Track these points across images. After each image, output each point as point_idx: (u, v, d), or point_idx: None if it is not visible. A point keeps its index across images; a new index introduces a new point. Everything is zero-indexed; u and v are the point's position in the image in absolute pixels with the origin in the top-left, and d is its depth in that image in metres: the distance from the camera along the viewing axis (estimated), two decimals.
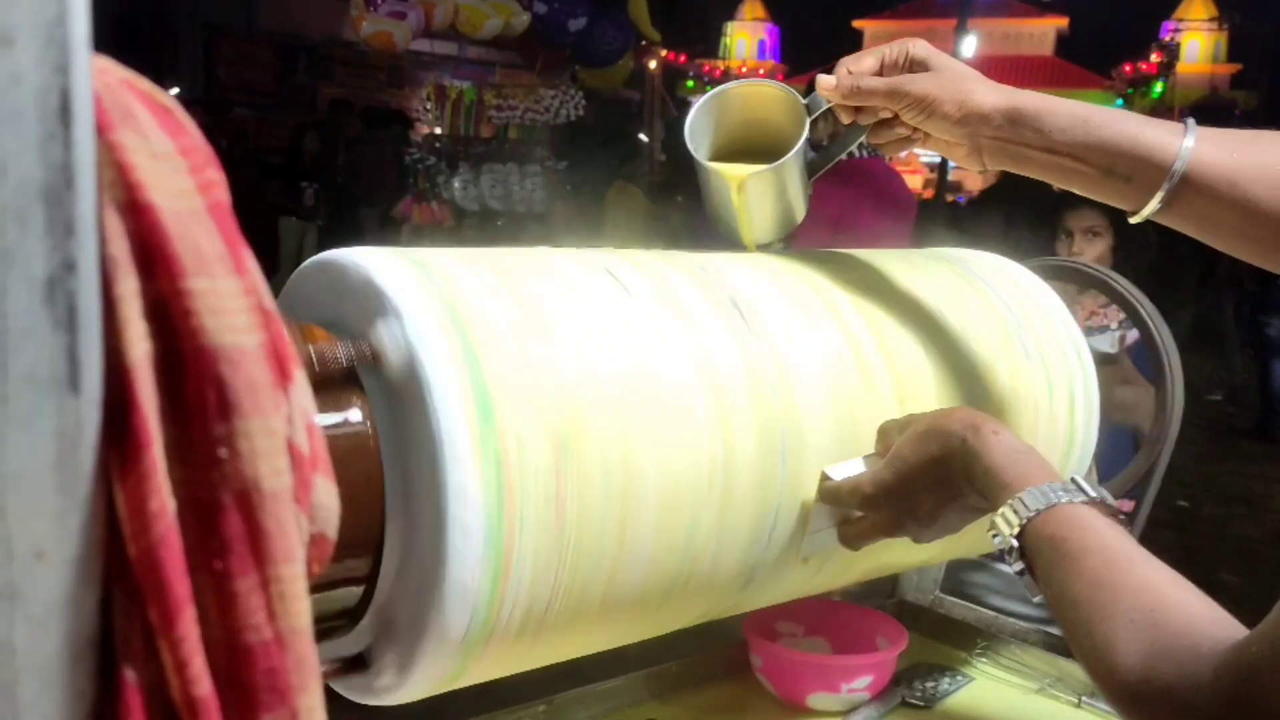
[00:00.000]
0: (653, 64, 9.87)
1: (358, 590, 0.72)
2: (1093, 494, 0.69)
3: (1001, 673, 1.24)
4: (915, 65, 0.88)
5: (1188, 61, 17.94)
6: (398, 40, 5.58)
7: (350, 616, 0.73)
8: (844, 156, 0.98)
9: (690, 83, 15.90)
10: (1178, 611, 0.60)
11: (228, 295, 0.29)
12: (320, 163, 6.67)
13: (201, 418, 0.28)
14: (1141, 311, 1.43)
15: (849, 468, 0.83)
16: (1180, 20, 18.33)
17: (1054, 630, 1.35)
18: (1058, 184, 0.87)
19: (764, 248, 0.97)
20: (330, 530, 0.34)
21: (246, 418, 0.29)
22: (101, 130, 0.28)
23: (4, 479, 0.26)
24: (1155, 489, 1.45)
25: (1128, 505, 1.66)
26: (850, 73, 0.89)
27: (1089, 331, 2.44)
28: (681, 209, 5.01)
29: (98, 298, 0.27)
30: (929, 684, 1.24)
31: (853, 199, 2.96)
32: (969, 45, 11.86)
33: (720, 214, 0.95)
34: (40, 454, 0.26)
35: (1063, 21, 20.57)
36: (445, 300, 0.69)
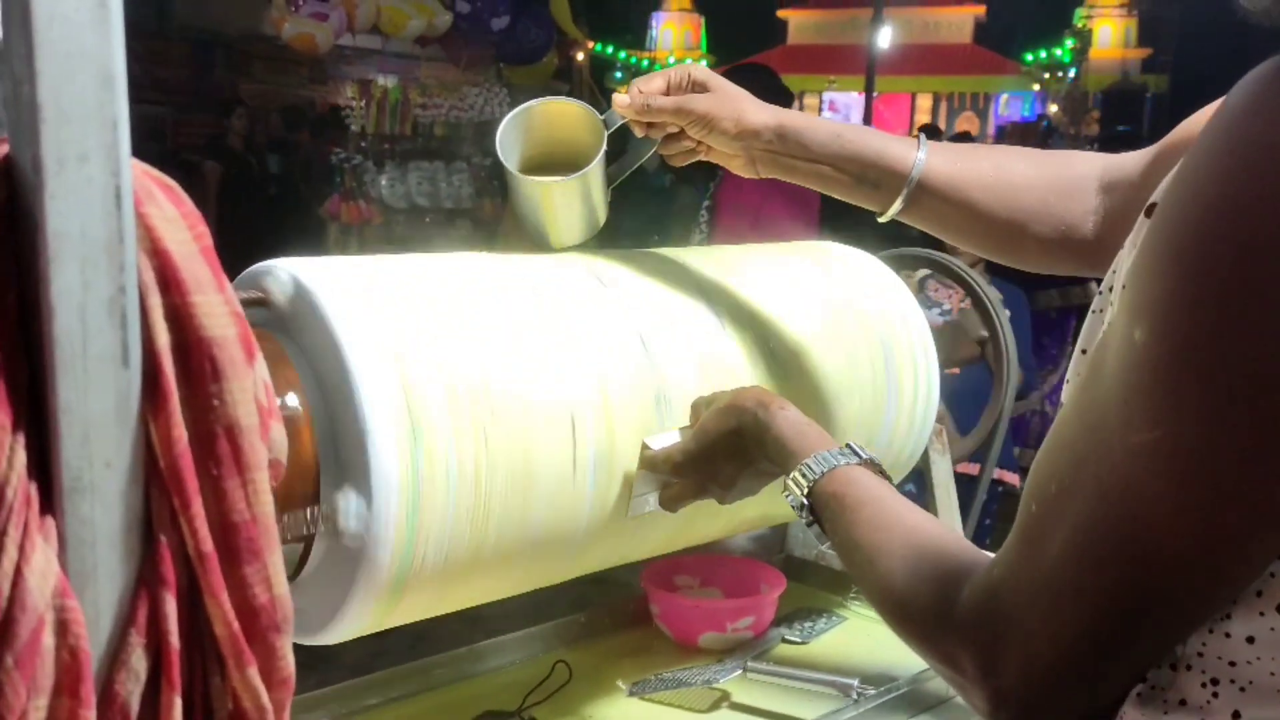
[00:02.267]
0: (579, 56, 9.93)
1: (297, 548, 0.87)
2: (864, 456, 0.79)
3: (870, 613, 1.38)
4: (697, 86, 0.99)
5: (1100, 47, 18.25)
6: (320, 42, 5.63)
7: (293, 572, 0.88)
8: (636, 167, 1.07)
9: (619, 74, 15.91)
10: (936, 546, 0.67)
11: (215, 305, 0.47)
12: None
13: (201, 380, 0.47)
14: (980, 294, 1.63)
15: (665, 439, 0.92)
16: (1093, 6, 18.75)
17: None
18: (821, 190, 1.00)
19: (567, 250, 1.05)
20: (282, 457, 0.52)
21: (229, 380, 0.47)
22: (136, 205, 0.45)
23: (88, 419, 0.44)
24: (996, 455, 1.66)
25: (971, 469, 1.86)
26: (641, 92, 0.99)
27: (965, 313, 2.66)
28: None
29: (137, 308, 0.45)
30: (807, 624, 1.37)
31: (766, 193, 3.15)
32: (885, 35, 11.99)
33: (529, 219, 1.03)
34: (107, 403, 0.44)
35: (980, 10, 20.92)
36: (389, 326, 0.82)
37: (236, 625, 0.47)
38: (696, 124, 0.98)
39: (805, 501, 0.78)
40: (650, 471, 0.92)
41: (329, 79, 11.10)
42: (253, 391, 0.48)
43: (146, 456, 0.46)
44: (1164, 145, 0.87)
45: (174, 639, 0.46)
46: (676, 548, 1.17)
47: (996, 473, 2.62)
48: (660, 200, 5.31)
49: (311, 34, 5.54)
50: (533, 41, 6.27)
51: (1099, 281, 0.67)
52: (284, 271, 0.85)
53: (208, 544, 0.46)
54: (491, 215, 5.77)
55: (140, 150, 0.45)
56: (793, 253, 1.28)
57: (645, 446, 0.92)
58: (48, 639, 0.42)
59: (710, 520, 1.11)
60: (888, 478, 0.79)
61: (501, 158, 1.00)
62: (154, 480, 0.46)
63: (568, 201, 1.01)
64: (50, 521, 0.43)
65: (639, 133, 1.02)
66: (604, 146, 1.00)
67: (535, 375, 0.90)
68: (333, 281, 0.84)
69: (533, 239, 1.05)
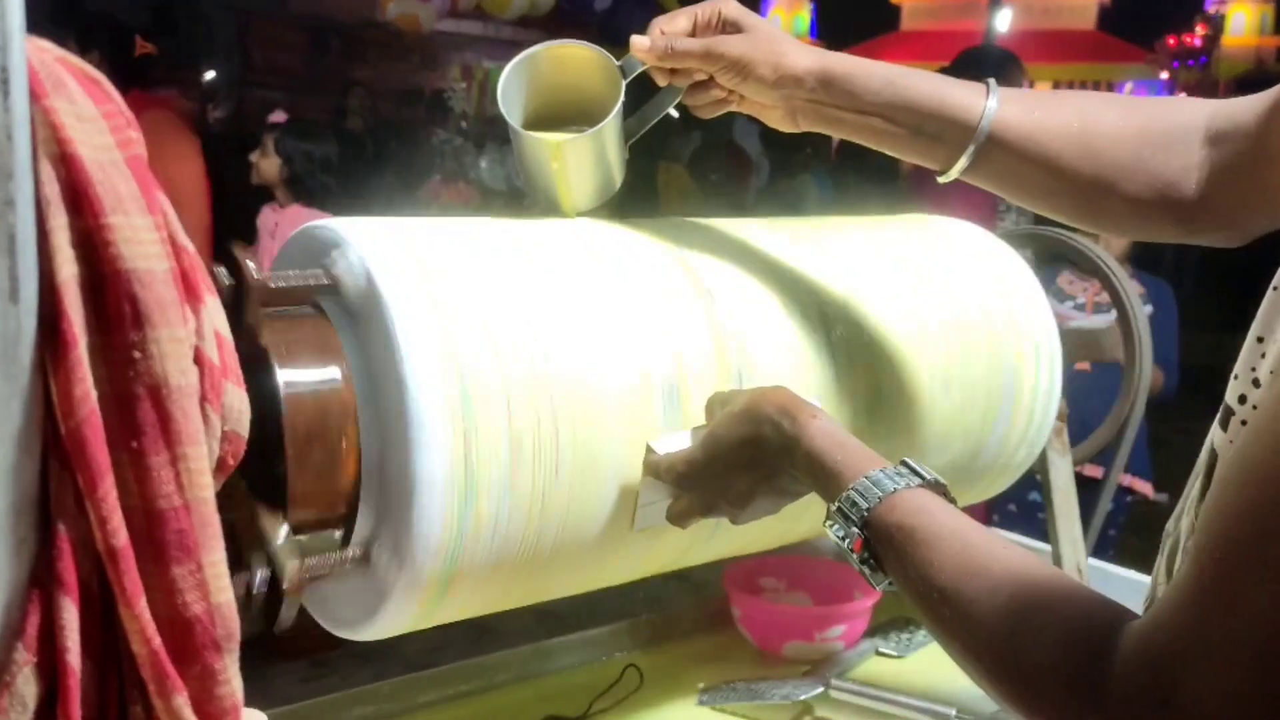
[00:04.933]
0: None
1: (336, 534, 0.80)
2: (928, 477, 0.66)
3: None
4: (728, 26, 0.86)
5: (1233, 34, 17.46)
6: (424, 22, 5.66)
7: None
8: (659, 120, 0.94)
9: None
10: (1057, 598, 0.56)
11: (141, 229, 0.36)
12: None
13: (119, 326, 0.36)
14: (1114, 282, 1.46)
15: (674, 441, 0.80)
16: None
17: None
18: (871, 145, 0.87)
19: (581, 215, 0.94)
20: (242, 429, 0.41)
21: (156, 327, 0.36)
22: (38, 98, 0.35)
23: None
24: (1123, 459, 1.49)
25: (1096, 472, 1.69)
26: (664, 33, 0.86)
27: (1099, 309, 2.45)
28: (715, 187, 5.02)
29: (33, 229, 0.35)
30: (904, 635, 1.28)
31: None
32: (1003, 20, 11.62)
33: (536, 182, 0.91)
34: None
35: None
36: (429, 295, 0.74)
37: (158, 642, 0.36)
38: (728, 70, 0.85)
39: (861, 534, 0.65)
40: (653, 479, 0.80)
41: (439, 64, 11.20)
42: (190, 343, 0.37)
43: (44, 422, 0.35)
44: None
45: (73, 658, 0.35)
46: (758, 549, 1.06)
47: (1126, 480, 2.43)
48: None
49: (415, 14, 5.57)
50: (636, 23, 6.16)
51: None
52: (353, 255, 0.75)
53: (120, 537, 0.35)
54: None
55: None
56: (897, 227, 1.15)
57: (649, 449, 0.79)
58: None
59: (795, 521, 0.99)
60: (953, 500, 0.66)
61: (503, 111, 0.87)
62: (53, 453, 0.35)
63: (580, 161, 0.89)
64: None
65: (661, 81, 0.89)
66: (622, 97, 0.87)
67: (603, 359, 0.80)
68: (390, 257, 0.76)
69: (540, 203, 0.93)
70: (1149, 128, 0.81)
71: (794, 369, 0.90)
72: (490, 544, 0.76)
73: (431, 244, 0.79)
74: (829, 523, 0.67)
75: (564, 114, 0.91)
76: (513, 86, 0.89)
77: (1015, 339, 1.11)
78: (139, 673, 0.37)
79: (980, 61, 2.55)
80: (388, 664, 1.15)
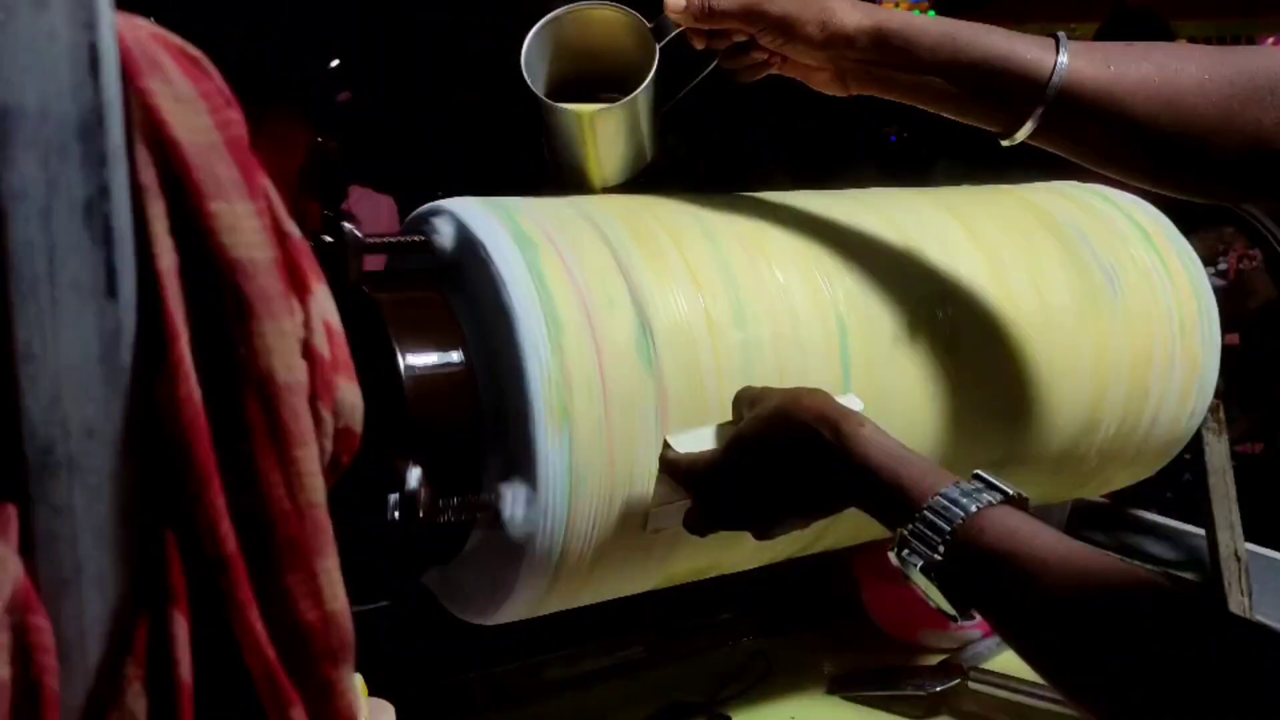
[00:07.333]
0: None
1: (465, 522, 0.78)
2: (1010, 492, 0.59)
3: None
4: None
5: None
6: None
7: (454, 546, 0.80)
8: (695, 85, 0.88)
9: None
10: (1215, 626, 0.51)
11: (243, 216, 0.34)
12: None
13: (222, 320, 0.34)
14: (1274, 243, 1.35)
15: (694, 439, 0.73)
16: None
17: (1178, 574, 1.32)
18: (928, 109, 0.81)
19: (611, 190, 0.89)
20: (356, 425, 0.39)
21: (261, 320, 0.34)
22: (132, 77, 0.33)
23: (58, 370, 0.32)
24: None
25: (1256, 446, 1.58)
26: None
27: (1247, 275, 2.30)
28: None
29: (130, 218, 0.33)
30: None
31: None
32: None
33: (564, 155, 0.86)
34: (87, 349, 0.32)
35: None
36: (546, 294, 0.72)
37: (272, 653, 0.34)
38: (771, 30, 0.79)
39: (944, 562, 0.57)
40: (670, 478, 0.74)
41: None
42: (297, 335, 0.35)
43: (147, 423, 0.33)
44: None
45: (185, 671, 0.33)
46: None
47: None
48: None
49: None
50: None
51: None
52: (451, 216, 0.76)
53: (230, 544, 0.33)
54: (705, 173, 5.66)
55: None
56: (1039, 194, 1.08)
57: (666, 445, 0.73)
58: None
59: None
60: (1031, 513, 0.59)
61: (528, 80, 0.82)
62: (158, 456, 0.33)
63: (612, 133, 0.84)
64: (10, 511, 0.32)
65: (698, 43, 0.83)
66: (656, 62, 0.82)
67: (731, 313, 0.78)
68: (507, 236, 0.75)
69: (567, 177, 0.87)
70: (1237, 80, 0.73)
71: (912, 357, 0.85)
72: (595, 533, 0.74)
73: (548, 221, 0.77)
74: (899, 549, 0.59)
75: (592, 80, 0.86)
76: (536, 53, 0.84)
77: (1163, 315, 1.04)
78: (253, 686, 0.35)
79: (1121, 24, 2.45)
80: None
